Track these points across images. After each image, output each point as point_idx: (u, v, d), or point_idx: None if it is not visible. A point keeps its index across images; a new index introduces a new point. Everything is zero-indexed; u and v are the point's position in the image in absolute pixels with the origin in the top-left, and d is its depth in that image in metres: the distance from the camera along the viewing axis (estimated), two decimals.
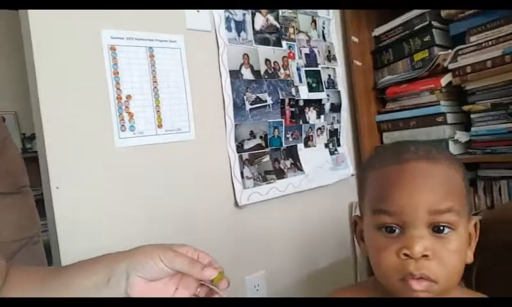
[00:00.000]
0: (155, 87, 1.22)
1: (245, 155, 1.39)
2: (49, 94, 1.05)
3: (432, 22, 1.55)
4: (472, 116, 1.50)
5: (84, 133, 1.09)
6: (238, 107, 1.36)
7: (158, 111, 1.22)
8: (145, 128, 1.19)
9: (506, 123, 1.40)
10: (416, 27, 1.60)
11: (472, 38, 1.47)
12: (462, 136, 1.52)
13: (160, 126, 1.22)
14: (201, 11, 1.30)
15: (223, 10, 1.35)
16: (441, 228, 0.53)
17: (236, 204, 1.35)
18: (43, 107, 1.04)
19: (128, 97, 1.17)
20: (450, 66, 1.50)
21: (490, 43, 1.41)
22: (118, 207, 1.12)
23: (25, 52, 1.06)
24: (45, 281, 0.59)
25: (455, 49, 1.50)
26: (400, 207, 0.54)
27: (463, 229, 0.55)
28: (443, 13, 1.53)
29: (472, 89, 1.49)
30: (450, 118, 1.55)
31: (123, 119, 1.15)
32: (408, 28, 1.63)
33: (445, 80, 1.53)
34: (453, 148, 1.52)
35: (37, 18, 1.04)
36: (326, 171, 1.60)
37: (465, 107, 1.52)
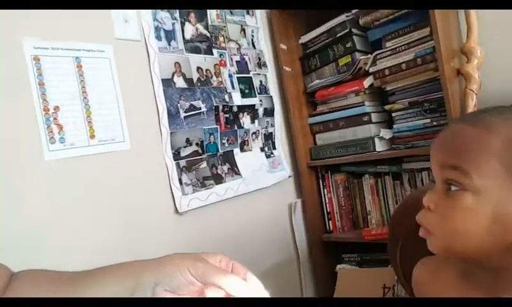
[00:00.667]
0: (85, 97, 1.20)
1: (182, 162, 1.40)
2: None
3: (352, 30, 1.67)
4: (393, 114, 1.63)
5: (11, 148, 1.04)
6: (172, 115, 1.38)
7: (89, 122, 1.20)
8: (76, 140, 1.17)
9: (423, 119, 1.54)
10: (338, 34, 1.71)
11: (388, 44, 1.61)
12: (386, 133, 1.64)
13: (92, 137, 1.20)
14: (129, 20, 1.31)
15: (152, 19, 1.37)
16: (450, 184, 0.54)
17: (176, 211, 1.35)
18: None
19: (57, 108, 1.14)
20: (371, 70, 1.63)
21: (403, 47, 1.55)
22: (50, 222, 1.08)
23: None
24: (58, 288, 0.55)
25: (374, 54, 1.63)
26: (430, 165, 0.58)
27: (486, 192, 0.51)
28: (361, 21, 1.66)
29: (391, 90, 1.62)
30: (374, 117, 1.67)
31: (51, 132, 1.12)
32: (331, 35, 1.74)
33: (367, 82, 1.65)
34: (379, 145, 1.63)
35: None
36: (263, 174, 1.65)
37: (387, 107, 1.64)
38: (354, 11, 1.66)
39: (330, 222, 1.81)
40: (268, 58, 1.77)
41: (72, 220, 1.13)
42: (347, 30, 1.68)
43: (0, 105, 1.04)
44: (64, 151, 1.14)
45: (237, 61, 1.62)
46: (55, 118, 1.13)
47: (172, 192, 1.35)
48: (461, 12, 1.54)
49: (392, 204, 1.68)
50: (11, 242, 1.00)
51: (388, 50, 1.59)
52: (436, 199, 0.55)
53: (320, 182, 1.81)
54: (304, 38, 1.82)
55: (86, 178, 1.17)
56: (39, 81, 1.12)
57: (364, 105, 1.65)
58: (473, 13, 1.50)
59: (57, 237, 1.09)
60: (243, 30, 1.68)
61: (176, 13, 1.44)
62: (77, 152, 1.16)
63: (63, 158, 1.13)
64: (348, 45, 1.69)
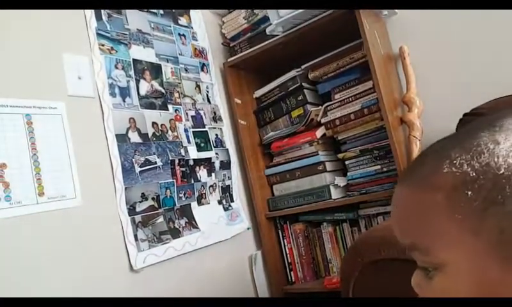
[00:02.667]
0: (35, 153, 1.18)
1: (138, 218, 1.37)
2: None
3: (303, 83, 1.77)
4: (347, 162, 1.70)
5: None
6: (127, 170, 1.37)
7: (39, 179, 1.17)
8: (23, 197, 1.13)
9: (374, 165, 1.62)
10: (290, 88, 1.80)
11: (337, 96, 1.71)
12: (340, 181, 1.70)
13: (41, 194, 1.17)
14: (83, 77, 1.33)
15: (106, 77, 1.39)
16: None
17: (131, 268, 1.31)
18: None
19: (3, 166, 1.11)
20: (323, 120, 1.71)
21: (351, 99, 1.66)
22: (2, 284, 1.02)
23: None
24: None
25: (324, 105, 1.72)
26: None
27: (455, 264, 0.40)
28: (310, 75, 1.76)
29: (343, 139, 1.70)
30: (329, 165, 1.73)
31: None
32: (283, 89, 1.83)
33: (319, 132, 1.73)
34: (334, 193, 1.68)
35: None
36: (222, 227, 1.64)
37: (340, 155, 1.72)
38: (303, 66, 1.76)
39: (292, 272, 1.80)
40: (223, 112, 1.82)
41: (24, 281, 1.07)
42: (298, 84, 1.77)
43: None
44: (10, 209, 1.10)
45: (192, 116, 1.66)
46: (1, 176, 1.10)
47: (127, 249, 1.32)
48: (399, 65, 1.68)
49: None
50: None
51: (337, 102, 1.69)
52: (418, 281, 0.45)
53: (280, 233, 1.82)
54: (258, 93, 1.90)
55: (35, 236, 1.12)
56: None
57: (318, 154, 1.72)
58: (409, 66, 1.63)
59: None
60: (198, 86, 1.74)
61: (131, 71, 1.48)
62: (25, 210, 1.12)
63: (9, 217, 1.09)
64: (300, 98, 1.77)
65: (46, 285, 1.12)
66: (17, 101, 1.17)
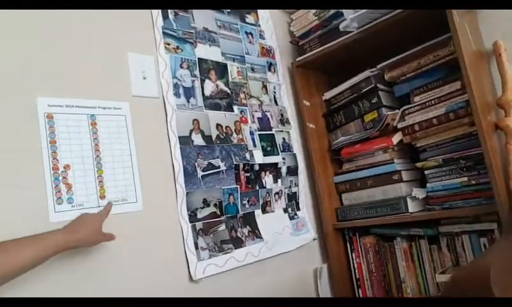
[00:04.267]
0: (98, 155, 1.11)
1: (199, 225, 1.27)
2: None
3: (378, 85, 1.57)
4: (426, 172, 1.47)
5: (14, 209, 0.95)
6: (189, 174, 1.27)
7: (101, 181, 1.10)
8: (85, 200, 1.07)
9: (459, 177, 1.38)
10: (363, 90, 1.61)
11: (416, 98, 1.49)
12: (419, 193, 1.48)
13: (102, 197, 1.10)
14: (147, 77, 1.25)
15: (171, 77, 1.30)
16: None
17: (190, 278, 1.21)
18: None
19: (67, 167, 1.05)
20: (399, 125, 1.50)
21: (433, 102, 1.43)
22: (55, 289, 0.96)
23: None
24: None
25: (402, 109, 1.51)
26: None
27: None
28: (386, 76, 1.56)
29: (422, 146, 1.48)
30: (405, 175, 1.52)
31: (59, 191, 1.03)
32: (355, 91, 1.64)
33: (395, 138, 1.52)
34: (411, 205, 1.47)
35: None
36: (286, 237, 1.50)
37: (418, 164, 1.49)
38: (378, 66, 1.56)
39: (360, 289, 1.61)
40: (291, 114, 1.67)
41: (81, 286, 1.00)
42: (373, 85, 1.58)
43: (7, 162, 0.96)
44: (71, 212, 1.03)
45: (258, 118, 1.53)
46: (64, 177, 1.04)
47: (187, 258, 1.21)
48: (493, 63, 1.42)
49: (429, 270, 1.47)
50: None
51: (417, 105, 1.47)
52: None
53: (348, 245, 1.63)
54: (328, 95, 1.73)
55: None
56: (50, 139, 1.04)
57: (393, 162, 1.51)
58: (505, 63, 1.37)
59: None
60: (265, 87, 1.60)
61: (196, 71, 1.38)
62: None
63: (70, 220, 1.02)
64: (374, 100, 1.57)
65: (103, 290, 1.04)
66: (82, 101, 1.11)
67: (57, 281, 0.96)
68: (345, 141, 1.65)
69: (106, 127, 1.14)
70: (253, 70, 1.58)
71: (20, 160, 0.98)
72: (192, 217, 1.26)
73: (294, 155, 1.62)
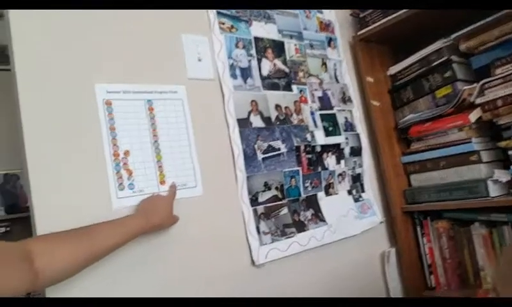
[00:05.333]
0: (156, 141, 1.06)
1: (260, 209, 1.19)
2: (38, 156, 0.90)
3: (452, 57, 1.38)
4: (510, 152, 1.27)
5: (78, 196, 0.92)
6: (249, 158, 1.19)
7: (160, 166, 1.05)
8: (146, 186, 1.02)
9: None
10: (434, 63, 1.42)
11: (498, 70, 1.29)
12: (502, 175, 1.28)
13: (162, 182, 1.05)
14: (203, 59, 1.17)
15: (227, 57, 1.22)
16: None
17: (253, 263, 1.14)
18: (32, 170, 0.89)
19: (127, 153, 1.01)
20: (478, 101, 1.30)
21: None
22: (118, 275, 0.93)
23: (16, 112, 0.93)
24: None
25: (480, 83, 1.30)
26: None
27: None
28: (462, 46, 1.35)
29: (506, 124, 1.27)
30: (485, 155, 1.33)
31: (121, 177, 0.99)
32: (425, 64, 1.45)
33: (473, 115, 1.32)
34: (493, 189, 1.27)
35: (24, 74, 0.92)
36: (351, 220, 1.37)
37: (500, 143, 1.29)
38: (453, 36, 1.36)
39: (432, 276, 1.45)
40: (353, 92, 1.52)
41: (140, 273, 0.96)
42: (446, 57, 1.38)
43: (69, 151, 0.93)
44: (133, 198, 1.00)
45: (319, 97, 1.41)
46: (125, 163, 1.00)
47: (248, 242, 1.14)
48: None
49: None
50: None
51: (499, 78, 1.27)
52: None
53: (418, 229, 1.47)
54: (394, 69, 1.55)
55: None
56: (110, 125, 1.00)
57: (471, 142, 1.32)
58: None
59: (126, 291, 0.93)
60: (324, 64, 1.47)
61: (253, 50, 1.28)
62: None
63: (133, 206, 0.99)
64: (447, 74, 1.38)
65: (165, 275, 1.00)
66: (139, 86, 1.06)
67: (119, 264, 0.93)
68: (413, 118, 1.47)
69: (163, 112, 1.09)
70: (311, 46, 1.44)
71: (81, 148, 0.95)
72: (254, 201, 1.18)
73: (357, 134, 1.48)
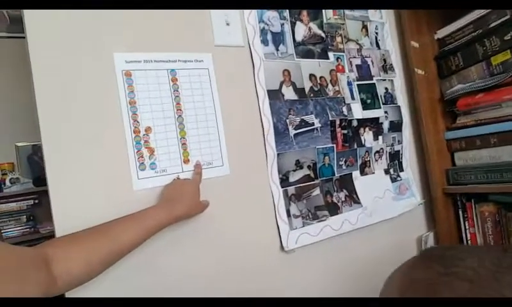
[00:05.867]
0: (180, 115, 0.96)
1: (291, 189, 1.09)
2: (52, 134, 0.82)
3: None
4: None
5: (95, 177, 0.85)
6: (280, 133, 1.08)
7: (184, 144, 0.96)
8: (169, 165, 0.94)
9: None
10: (492, 25, 1.24)
11: None
12: None
13: (186, 161, 0.96)
14: (231, 23, 1.05)
15: (258, 21, 1.09)
16: None
17: (282, 248, 1.06)
18: (47, 148, 0.82)
19: (148, 129, 0.92)
20: None
21: None
22: (141, 264, 0.87)
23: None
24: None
25: None
26: None
27: None
28: None
29: None
30: None
31: (142, 157, 0.91)
32: (480, 26, 1.27)
33: None
34: None
35: (36, 43, 0.82)
36: (388, 202, 1.27)
37: None
38: None
39: None
40: (395, 60, 1.37)
41: (164, 258, 0.90)
42: (507, 17, 1.20)
43: (86, 127, 0.85)
44: (155, 178, 0.92)
45: (357, 65, 1.27)
46: (146, 141, 0.92)
47: (278, 226, 1.06)
48: None
49: None
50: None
51: None
52: None
53: (460, 213, 1.35)
54: (442, 32, 1.38)
55: None
56: (130, 99, 0.91)
57: None
58: None
59: (151, 278, 0.87)
60: (365, 27, 1.31)
61: (286, 12, 1.14)
62: (170, 179, 0.93)
63: (155, 187, 0.91)
64: (507, 36, 1.20)
65: (190, 261, 0.93)
66: (161, 55, 0.95)
67: (139, 252, 0.86)
68: (463, 89, 1.31)
69: (188, 83, 0.98)
70: None
71: (99, 124, 0.87)
72: (284, 181, 1.08)
73: (398, 107, 1.34)
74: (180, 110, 0.96)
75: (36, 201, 2.41)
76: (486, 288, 0.34)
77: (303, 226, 1.09)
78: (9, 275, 0.50)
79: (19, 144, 2.31)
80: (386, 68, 1.33)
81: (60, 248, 0.63)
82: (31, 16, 0.82)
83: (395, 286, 0.42)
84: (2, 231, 2.12)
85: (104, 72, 0.88)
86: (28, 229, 2.26)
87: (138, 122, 0.91)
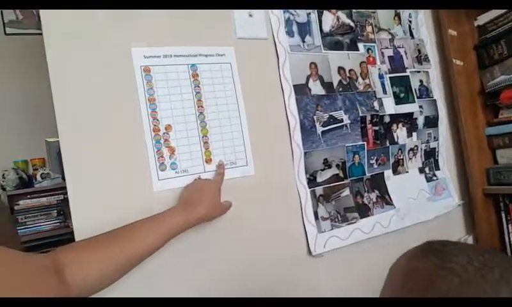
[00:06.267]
0: (201, 113, 0.91)
1: (319, 190, 1.03)
2: (69, 132, 0.79)
3: None
4: None
5: (114, 178, 0.81)
6: (307, 130, 1.02)
7: (206, 143, 0.91)
8: (190, 165, 0.89)
9: None
10: None
11: None
12: None
13: (208, 160, 0.91)
14: (254, 14, 0.99)
15: (282, 11, 1.02)
16: None
17: (309, 252, 1.00)
18: (64, 148, 0.79)
19: (168, 128, 0.88)
20: None
21: None
22: (161, 269, 0.83)
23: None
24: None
25: None
26: None
27: None
28: None
29: None
30: None
31: (162, 156, 0.86)
32: None
33: None
34: None
35: (53, 39, 0.79)
36: (422, 203, 1.18)
37: None
38: None
39: None
40: (431, 50, 1.27)
41: (187, 266, 0.86)
42: None
43: (104, 126, 0.81)
44: (176, 179, 0.87)
45: (389, 57, 1.18)
46: (166, 140, 0.87)
47: (305, 229, 1.00)
48: None
49: None
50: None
51: None
52: None
53: (503, 215, 1.25)
54: (483, 19, 1.27)
55: None
56: (149, 96, 0.87)
57: None
58: None
59: (171, 283, 0.84)
60: (397, 15, 1.23)
61: None
62: (191, 180, 0.88)
63: (175, 188, 0.87)
64: None
65: (214, 267, 0.89)
66: (181, 49, 0.91)
67: (162, 253, 0.82)
68: (506, 80, 1.21)
69: (209, 78, 0.93)
70: None
71: (117, 123, 0.83)
72: (312, 181, 1.02)
73: (434, 101, 1.25)
74: (202, 107, 0.91)
75: (66, 196, 2.43)
76: (472, 284, 0.39)
77: (332, 228, 1.03)
78: (20, 284, 0.47)
79: (49, 139, 2.33)
80: (421, 59, 1.24)
81: (74, 255, 0.60)
82: (47, 11, 0.79)
83: (400, 271, 0.48)
84: (34, 225, 2.15)
85: (122, 68, 0.84)
86: (58, 224, 2.29)
87: (158, 120, 0.87)
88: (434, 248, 0.46)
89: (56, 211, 2.23)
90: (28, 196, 2.17)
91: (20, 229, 2.11)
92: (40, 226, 2.17)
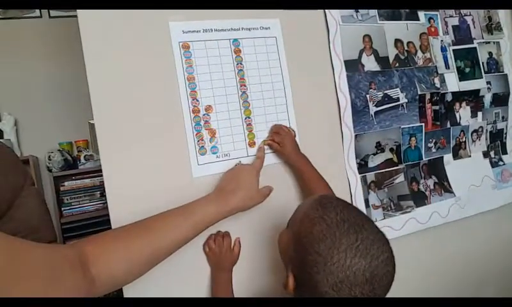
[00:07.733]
0: (244, 92, 0.84)
1: (370, 176, 0.94)
2: (105, 114, 0.75)
3: None
4: None
5: (151, 163, 0.77)
6: (359, 111, 0.92)
7: (249, 125, 0.84)
8: (232, 149, 0.83)
9: None
10: None
11: None
12: None
13: (252, 144, 0.85)
14: None
15: None
16: None
17: None
18: (100, 131, 0.74)
19: (208, 108, 0.81)
20: None
21: None
22: (199, 263, 0.79)
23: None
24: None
25: None
26: None
27: None
28: None
29: None
30: None
31: (202, 139, 0.81)
32: None
33: None
34: None
35: (87, 22, 0.74)
36: (486, 191, 1.07)
37: None
38: None
39: None
40: (504, 17, 1.12)
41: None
42: None
43: (140, 107, 0.76)
44: (217, 164, 0.81)
45: (454, 26, 1.05)
46: (206, 121, 0.81)
47: None
48: None
49: None
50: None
51: None
52: None
53: None
54: None
55: None
56: (188, 75, 0.80)
57: None
58: None
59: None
60: None
61: None
62: (233, 165, 0.82)
63: (216, 174, 0.81)
64: None
65: (256, 261, 0.83)
66: (222, 23, 0.83)
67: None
68: None
69: (253, 54, 0.85)
70: None
71: (154, 104, 0.78)
72: (363, 167, 0.93)
73: (505, 76, 1.11)
74: (245, 86, 0.84)
75: None
76: (332, 234, 0.52)
77: (384, 218, 0.94)
78: (40, 278, 0.43)
79: (92, 121, 2.36)
80: (492, 27, 1.09)
81: (100, 247, 0.56)
82: None
83: (302, 211, 0.59)
84: (79, 206, 2.20)
85: (159, 44, 0.78)
86: (101, 205, 2.34)
87: (198, 100, 0.81)
88: (323, 202, 0.57)
89: (99, 192, 2.27)
90: (73, 178, 2.22)
91: (65, 210, 2.17)
92: (84, 206, 2.22)
